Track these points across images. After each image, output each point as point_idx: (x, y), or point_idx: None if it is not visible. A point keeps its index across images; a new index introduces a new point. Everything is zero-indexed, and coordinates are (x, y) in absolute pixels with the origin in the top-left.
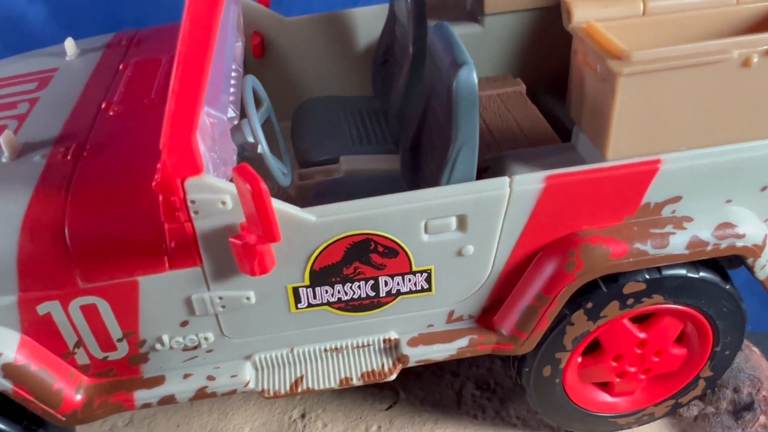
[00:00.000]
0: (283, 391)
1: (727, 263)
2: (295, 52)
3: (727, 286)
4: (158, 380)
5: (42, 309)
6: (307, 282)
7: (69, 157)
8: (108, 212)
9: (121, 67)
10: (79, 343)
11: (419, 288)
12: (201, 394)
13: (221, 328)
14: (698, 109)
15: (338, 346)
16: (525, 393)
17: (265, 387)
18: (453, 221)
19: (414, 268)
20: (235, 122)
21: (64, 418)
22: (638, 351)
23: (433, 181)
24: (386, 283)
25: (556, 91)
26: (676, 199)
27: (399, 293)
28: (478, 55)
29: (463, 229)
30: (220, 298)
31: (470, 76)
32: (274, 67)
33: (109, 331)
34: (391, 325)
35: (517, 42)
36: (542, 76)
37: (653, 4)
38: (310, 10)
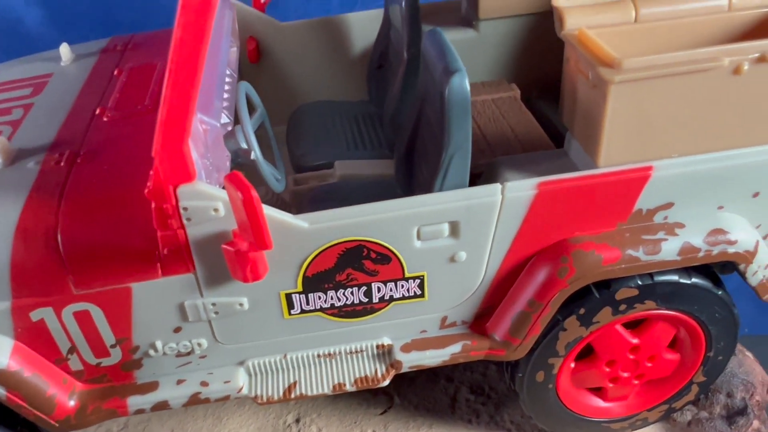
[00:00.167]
0: (276, 397)
1: (720, 269)
2: (291, 57)
3: (720, 292)
4: (152, 386)
5: (35, 315)
6: (299, 288)
7: (62, 164)
8: (101, 219)
9: (115, 72)
10: (73, 350)
11: (412, 294)
12: (194, 400)
13: (214, 334)
14: (690, 116)
15: (331, 352)
16: (519, 398)
17: (259, 393)
18: (445, 228)
19: (407, 275)
20: (229, 128)
21: (57, 424)
22: (631, 356)
23: (427, 187)
24: (379, 290)
25: (550, 96)
26: (668, 205)
27: (392, 299)
28: (472, 60)
29: (456, 235)
30: (213, 304)
31: (462, 83)
32: (270, 71)
33: (103, 337)
34: (384, 330)
35: (511, 47)
36: (536, 80)
37: (645, 10)
38: (306, 15)
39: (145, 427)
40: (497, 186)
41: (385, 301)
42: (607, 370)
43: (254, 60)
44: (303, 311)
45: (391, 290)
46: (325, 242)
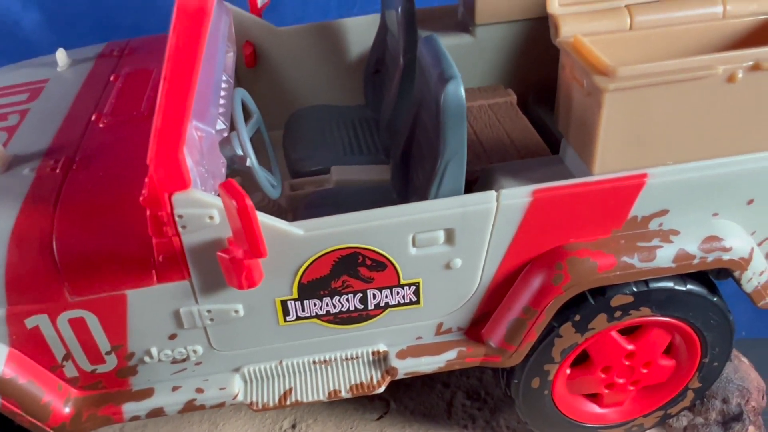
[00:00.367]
0: (271, 404)
1: (715, 274)
2: (287, 62)
3: (715, 299)
4: (147, 393)
5: (30, 322)
6: (295, 295)
7: (58, 171)
8: (96, 226)
9: (112, 78)
10: (68, 356)
11: (407, 301)
12: (190, 407)
13: (210, 341)
14: (684, 123)
15: (327, 359)
16: (514, 404)
17: (254, 399)
18: (441, 235)
19: (402, 281)
20: (225, 134)
21: (52, 431)
22: (627, 362)
23: (422, 193)
24: (374, 296)
25: (546, 101)
26: (663, 212)
27: (387, 306)
28: (469, 65)
29: (451, 242)
30: (209, 311)
31: (458, 90)
32: (267, 76)
33: (98, 344)
34: (380, 337)
35: (507, 52)
36: (533, 85)
37: (640, 18)
38: (304, 17)
39: None
40: (492, 193)
41: (380, 308)
42: (603, 376)
43: (251, 65)
44: (298, 318)
45: (386, 297)
46: (320, 249)
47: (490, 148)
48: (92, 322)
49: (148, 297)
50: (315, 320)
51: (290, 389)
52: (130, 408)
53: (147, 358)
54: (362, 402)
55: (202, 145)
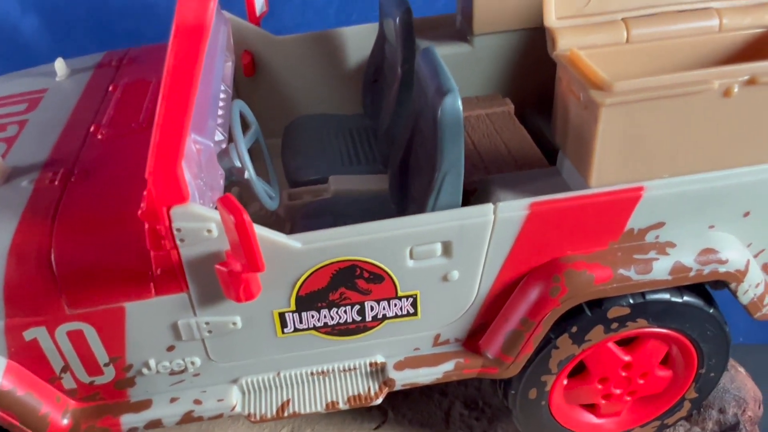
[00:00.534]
0: (269, 415)
1: (712, 285)
2: (286, 71)
3: (711, 310)
4: (145, 404)
5: (28, 335)
6: (293, 307)
7: (56, 183)
8: (94, 239)
9: (110, 88)
10: (66, 368)
11: (405, 312)
12: (188, 418)
13: (208, 353)
14: (680, 137)
15: (325, 370)
16: (512, 414)
17: (252, 411)
18: (438, 247)
19: (400, 293)
20: (223, 145)
21: None
22: (623, 373)
23: (420, 204)
24: (372, 308)
25: (543, 110)
26: (660, 224)
27: (385, 318)
28: (466, 74)
29: (449, 255)
30: (207, 323)
31: (455, 103)
32: (265, 85)
33: (96, 356)
34: (378, 348)
35: (505, 61)
36: (530, 94)
37: (637, 31)
38: (303, 24)
39: None
40: (489, 206)
41: (378, 320)
42: (600, 386)
43: (249, 74)
44: (296, 330)
45: (384, 309)
46: (318, 262)
47: (488, 159)
48: (90, 334)
49: (146, 309)
50: (313, 332)
51: (288, 400)
52: (128, 419)
53: (145, 370)
54: (360, 411)
55: (200, 158)
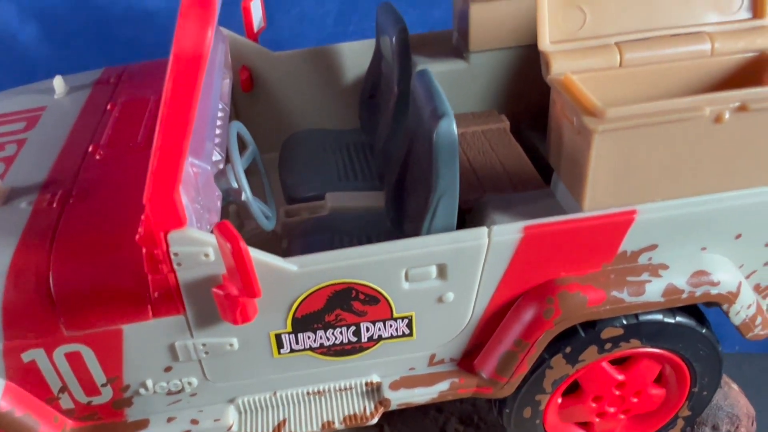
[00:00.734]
0: None
1: (704, 303)
2: (283, 86)
3: (704, 330)
4: (142, 424)
5: (27, 356)
6: (289, 329)
7: (55, 205)
8: (92, 262)
9: (108, 106)
10: (64, 389)
11: (401, 333)
12: None
13: (204, 373)
14: (672, 162)
15: (321, 390)
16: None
17: (248, 430)
18: (433, 270)
19: (395, 315)
20: (221, 166)
21: None
22: (617, 392)
23: (415, 223)
24: (368, 329)
25: (539, 126)
26: (652, 247)
27: (380, 338)
28: (463, 90)
29: (444, 277)
30: (204, 344)
31: (450, 127)
32: (263, 100)
33: (93, 376)
34: (373, 368)
35: (501, 78)
36: (526, 111)
37: (630, 55)
38: (300, 35)
39: None
40: (484, 230)
41: (373, 341)
42: (594, 405)
43: (247, 89)
44: (292, 350)
45: (379, 330)
46: (314, 285)
47: (483, 176)
48: (88, 355)
49: (143, 331)
50: (309, 352)
51: (284, 420)
52: None
53: (142, 390)
54: (356, 429)
55: (197, 181)
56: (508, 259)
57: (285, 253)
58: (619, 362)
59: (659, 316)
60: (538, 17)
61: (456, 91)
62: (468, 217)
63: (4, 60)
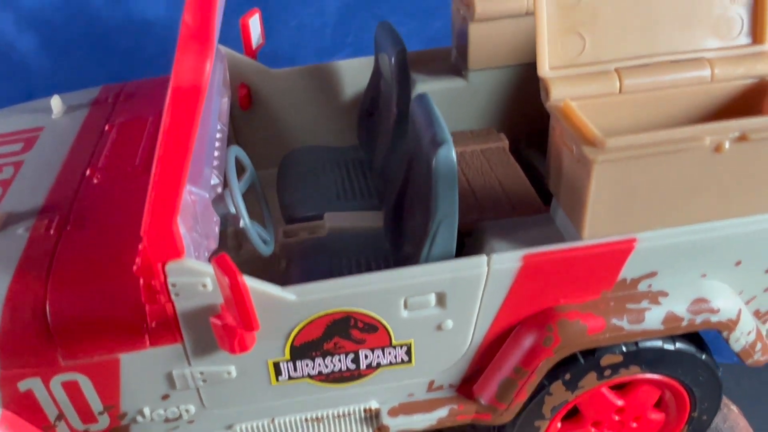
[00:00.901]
0: None
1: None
2: (282, 103)
3: (703, 356)
4: None
5: (23, 386)
6: (287, 357)
7: (52, 232)
8: (89, 291)
9: (106, 127)
10: (61, 417)
11: (399, 360)
12: None
13: (202, 401)
14: (672, 190)
15: (319, 416)
16: None
17: None
18: (432, 298)
19: (394, 342)
20: (219, 189)
21: None
22: (617, 417)
23: (414, 248)
24: (366, 356)
25: (538, 145)
26: (652, 274)
27: (379, 365)
28: (461, 108)
29: (443, 305)
30: (201, 372)
31: (449, 155)
32: (261, 117)
33: (90, 405)
34: (372, 394)
35: (500, 96)
36: (525, 129)
37: (629, 81)
38: (298, 46)
39: None
40: (483, 258)
41: (372, 368)
42: (593, 430)
43: (245, 107)
44: (291, 378)
45: (378, 357)
46: (312, 313)
47: (482, 197)
48: (85, 384)
49: (140, 360)
50: (307, 380)
51: None
52: None
53: (139, 418)
54: None
55: (195, 209)
56: (508, 287)
57: (283, 274)
58: (619, 387)
59: (659, 343)
60: (538, 43)
61: (455, 109)
62: (467, 241)
63: (1, 70)
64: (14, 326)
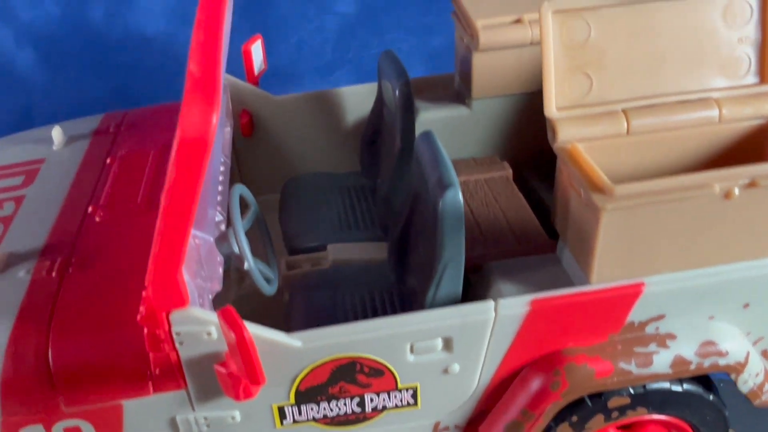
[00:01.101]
0: None
1: None
2: (284, 130)
3: (711, 397)
4: None
5: None
6: (292, 401)
7: (54, 274)
8: (91, 338)
9: (108, 160)
10: None
11: (405, 403)
12: None
13: None
14: (681, 235)
15: None
16: None
17: None
18: (439, 343)
19: (400, 386)
20: (222, 227)
21: None
22: None
23: (419, 282)
24: (372, 400)
25: (541, 173)
26: (660, 317)
27: (385, 408)
28: (464, 135)
29: (449, 349)
30: (205, 418)
31: (456, 198)
32: (263, 143)
33: None
34: None
35: (503, 124)
36: (528, 157)
37: (637, 122)
38: (298, 62)
39: None
40: (490, 304)
41: (377, 411)
42: None
43: (247, 133)
44: (295, 422)
45: (384, 400)
46: (318, 359)
47: (486, 230)
48: (88, 430)
49: (144, 406)
50: (312, 423)
51: None
52: None
53: None
54: None
55: (199, 253)
56: (515, 331)
57: (286, 306)
58: (626, 426)
59: (666, 385)
60: (545, 83)
61: (457, 137)
62: (472, 277)
63: (1, 84)
64: (16, 373)
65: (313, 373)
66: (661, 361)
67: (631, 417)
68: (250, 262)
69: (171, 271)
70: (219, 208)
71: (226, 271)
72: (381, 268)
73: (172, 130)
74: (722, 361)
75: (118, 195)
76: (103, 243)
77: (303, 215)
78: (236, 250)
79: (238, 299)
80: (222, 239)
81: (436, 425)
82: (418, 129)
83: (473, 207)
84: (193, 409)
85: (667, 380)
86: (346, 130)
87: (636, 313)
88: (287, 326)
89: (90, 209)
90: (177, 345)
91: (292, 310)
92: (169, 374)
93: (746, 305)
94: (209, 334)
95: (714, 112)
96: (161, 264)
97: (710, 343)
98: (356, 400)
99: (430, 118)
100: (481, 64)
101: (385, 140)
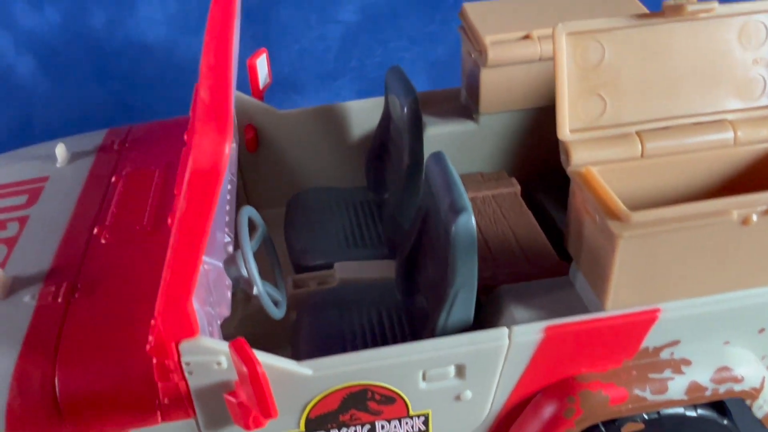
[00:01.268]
0: None
1: None
2: (289, 144)
3: (725, 422)
4: None
5: None
6: (302, 428)
7: (60, 300)
8: (98, 367)
9: (113, 179)
10: None
11: (416, 430)
12: None
13: None
14: (697, 262)
15: None
16: None
17: None
18: (451, 370)
19: (411, 413)
20: (230, 248)
21: None
22: None
23: (427, 301)
24: (383, 427)
25: (549, 189)
26: (675, 342)
27: None
28: (472, 150)
29: (462, 376)
30: None
31: (469, 223)
32: (268, 157)
33: None
34: None
35: (511, 139)
36: (536, 172)
37: (651, 144)
38: (300, 71)
39: None
40: (504, 331)
41: None
42: None
43: (252, 149)
44: None
45: (395, 427)
46: (329, 387)
47: (495, 249)
48: None
49: None
50: None
51: None
52: None
53: None
54: None
55: (208, 280)
56: (529, 358)
57: (294, 326)
58: None
59: (680, 410)
60: (558, 105)
61: (465, 152)
62: (483, 299)
63: (1, 92)
64: (22, 401)
65: (323, 400)
66: (676, 387)
67: None
68: (259, 287)
69: (181, 301)
70: (227, 229)
71: (233, 294)
72: (388, 287)
73: (176, 147)
74: (738, 387)
75: (123, 216)
76: (109, 266)
77: (309, 231)
78: (245, 274)
79: (244, 317)
80: (230, 262)
81: None
82: (426, 144)
83: (482, 225)
84: None
85: (682, 406)
86: (351, 144)
87: (651, 339)
88: (295, 346)
89: (95, 230)
90: (186, 375)
91: (300, 330)
92: (178, 403)
93: (761, 330)
94: (219, 363)
95: (729, 135)
96: (171, 294)
97: (725, 368)
98: (367, 427)
99: (437, 133)
100: (489, 80)
101: (392, 156)
